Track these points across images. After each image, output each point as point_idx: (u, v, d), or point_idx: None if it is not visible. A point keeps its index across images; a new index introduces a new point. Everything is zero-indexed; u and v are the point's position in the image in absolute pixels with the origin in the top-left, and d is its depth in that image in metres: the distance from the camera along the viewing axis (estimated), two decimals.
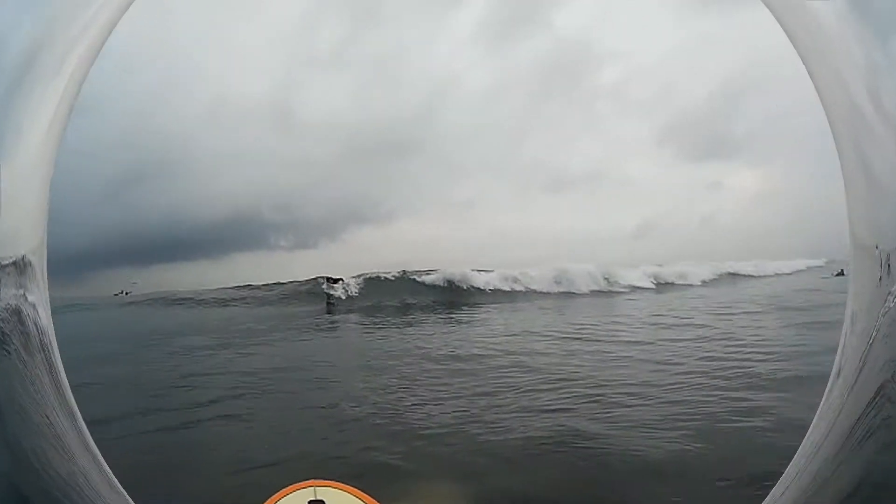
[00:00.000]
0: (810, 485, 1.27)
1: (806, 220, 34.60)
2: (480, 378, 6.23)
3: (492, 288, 20.16)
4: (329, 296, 19.01)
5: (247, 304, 18.90)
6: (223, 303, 19.17)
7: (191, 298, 20.02)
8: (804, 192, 36.51)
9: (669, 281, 23.48)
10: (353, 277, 19.97)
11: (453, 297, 18.99)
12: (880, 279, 1.20)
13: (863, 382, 1.23)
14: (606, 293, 20.61)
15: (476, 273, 20.57)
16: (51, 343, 1.59)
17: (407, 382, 6.21)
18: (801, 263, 31.59)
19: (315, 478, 1.99)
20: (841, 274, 22.40)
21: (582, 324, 11.07)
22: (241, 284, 22.25)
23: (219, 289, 21.72)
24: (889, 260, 1.17)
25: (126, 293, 22.81)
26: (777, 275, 28.39)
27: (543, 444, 3.95)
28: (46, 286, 1.64)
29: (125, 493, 1.57)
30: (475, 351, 8.07)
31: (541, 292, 20.40)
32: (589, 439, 3.94)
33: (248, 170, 35.42)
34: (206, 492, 3.42)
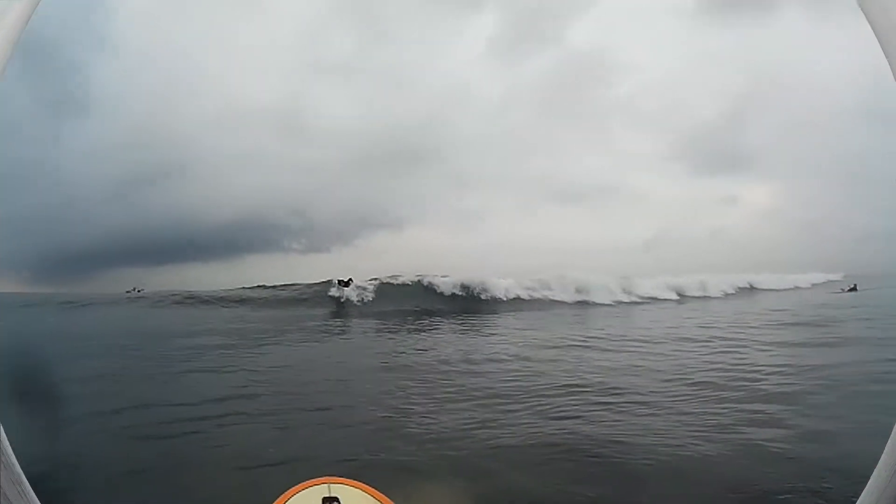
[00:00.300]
0: None
1: (817, 233, 34.05)
2: (491, 379, 6.36)
3: (510, 297, 19.77)
4: (339, 297, 18.78)
5: (258, 304, 18.68)
6: (236, 302, 18.94)
7: (202, 297, 19.81)
8: (816, 206, 35.94)
9: (688, 293, 22.99)
10: (369, 281, 19.70)
11: (469, 304, 18.66)
12: None
13: None
14: (627, 304, 20.19)
15: (496, 280, 20.17)
16: None
17: (424, 387, 6.17)
18: (820, 277, 30.96)
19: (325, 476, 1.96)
20: (854, 289, 21.66)
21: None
22: (254, 285, 22.08)
23: (230, 289, 21.51)
24: None
25: (138, 290, 22.65)
26: (796, 288, 27.85)
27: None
28: None
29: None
30: (492, 356, 8.01)
31: (558, 301, 20.01)
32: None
33: (261, 173, 35.38)
34: (213, 487, 3.42)
